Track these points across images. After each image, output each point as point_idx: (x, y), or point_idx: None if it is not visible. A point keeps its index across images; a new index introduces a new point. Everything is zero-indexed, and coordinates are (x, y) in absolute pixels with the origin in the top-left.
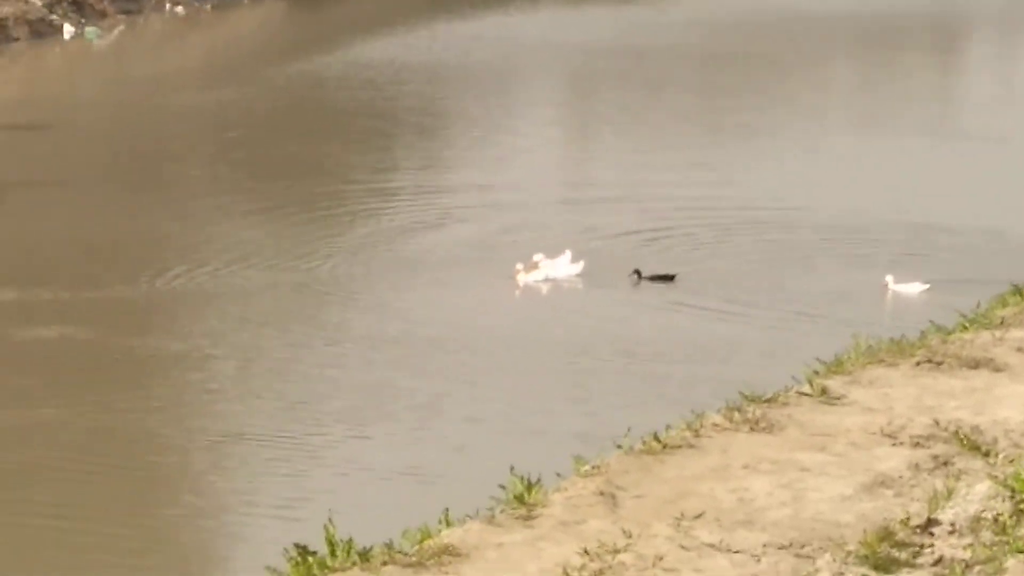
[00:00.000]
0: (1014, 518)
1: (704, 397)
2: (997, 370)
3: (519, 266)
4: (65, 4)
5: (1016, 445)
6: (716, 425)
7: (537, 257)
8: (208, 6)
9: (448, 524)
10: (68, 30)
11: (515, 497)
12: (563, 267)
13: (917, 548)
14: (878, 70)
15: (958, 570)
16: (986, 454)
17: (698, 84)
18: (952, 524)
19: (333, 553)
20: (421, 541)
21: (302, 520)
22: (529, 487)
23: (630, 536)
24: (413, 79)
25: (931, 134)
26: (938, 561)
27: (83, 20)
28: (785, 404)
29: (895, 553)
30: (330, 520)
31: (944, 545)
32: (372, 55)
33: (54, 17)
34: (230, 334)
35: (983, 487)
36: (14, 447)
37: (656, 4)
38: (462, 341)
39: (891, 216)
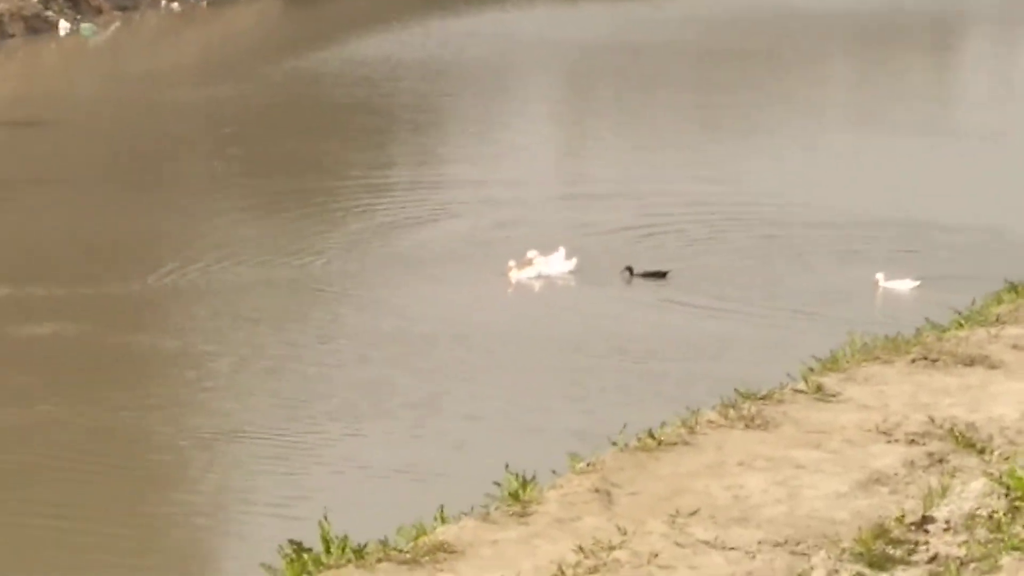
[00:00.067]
0: (1009, 515)
1: (699, 394)
2: (992, 367)
3: (511, 263)
4: (61, 0)
5: (1011, 442)
6: (711, 422)
7: (531, 254)
8: (203, 2)
9: (443, 521)
10: (64, 26)
11: (510, 494)
12: (556, 264)
13: (912, 545)
14: (875, 67)
15: (953, 567)
16: (981, 451)
17: (694, 81)
18: (947, 521)
19: (328, 550)
20: (416, 538)
21: (298, 518)
22: (524, 484)
23: (625, 533)
24: (408, 76)
25: (927, 132)
26: (933, 558)
27: (79, 16)
28: (780, 401)
29: (890, 550)
30: (325, 517)
31: (939, 542)
32: (367, 52)
33: (50, 13)
34: (225, 331)
35: (978, 484)
36: (10, 445)
37: (653, 0)
38: (457, 338)
39: (885, 213)
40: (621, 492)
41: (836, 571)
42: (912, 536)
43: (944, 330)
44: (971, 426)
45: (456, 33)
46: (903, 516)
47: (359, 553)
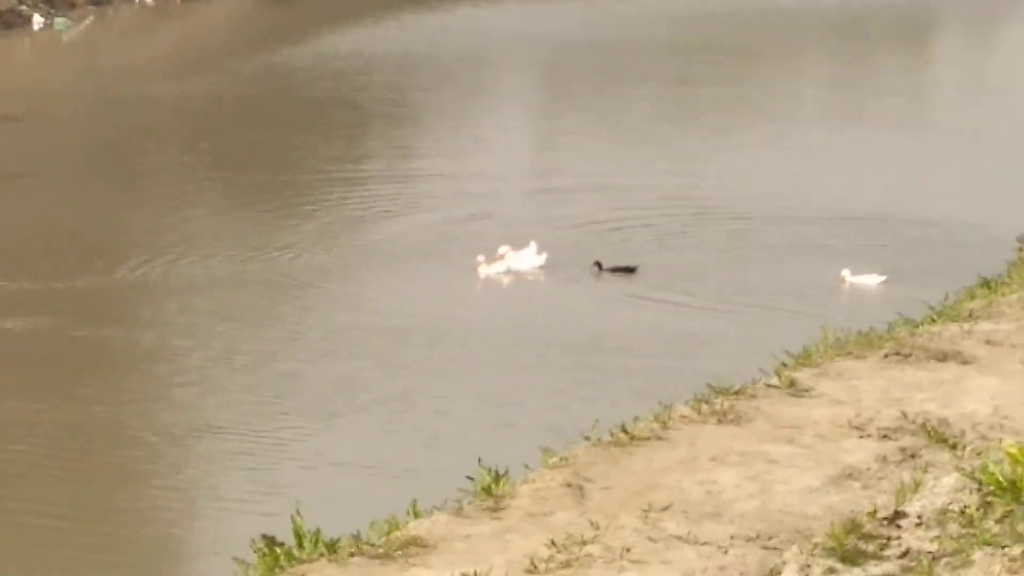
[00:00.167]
0: (981, 511)
1: (671, 389)
2: (965, 363)
3: (480, 258)
4: None
5: (983, 438)
6: (684, 417)
7: (503, 250)
8: None
9: (416, 515)
10: (37, 21)
11: (483, 489)
12: (526, 259)
13: (884, 540)
14: (849, 63)
15: (925, 563)
16: (953, 447)
17: (668, 76)
18: (919, 516)
19: (300, 544)
20: (388, 532)
21: (271, 513)
22: (497, 479)
23: (597, 528)
24: (382, 70)
25: (900, 127)
26: (905, 553)
27: (52, 11)
28: (753, 396)
29: (862, 545)
30: (297, 512)
31: (911, 537)
32: (341, 46)
33: (23, 8)
34: (197, 326)
35: (950, 480)
36: None
37: None
38: (428, 333)
39: (857, 208)
40: (593, 487)
41: (808, 566)
42: (884, 531)
43: (916, 325)
44: (943, 421)
45: (429, 28)
46: (875, 511)
47: (331, 547)
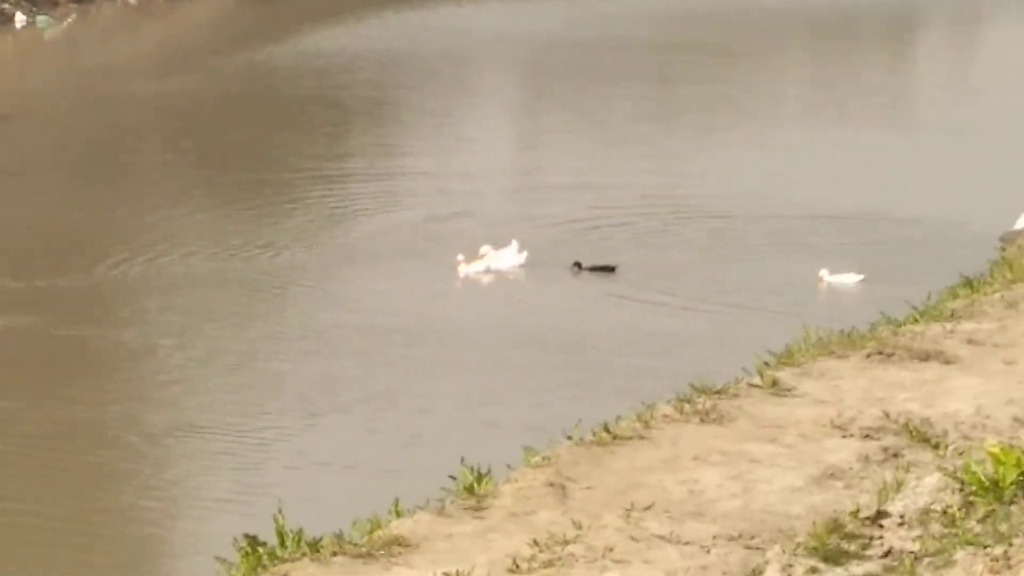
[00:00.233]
0: (963, 510)
1: (651, 388)
2: (947, 362)
3: (460, 257)
4: None
5: (966, 437)
6: (666, 416)
7: (484, 249)
8: None
9: (398, 515)
10: (20, 19)
11: (465, 488)
12: (507, 258)
13: (866, 540)
14: (831, 61)
15: (907, 562)
16: (936, 446)
17: (650, 75)
18: (901, 516)
19: (283, 544)
20: (371, 532)
21: (253, 513)
22: (479, 478)
23: (580, 527)
24: (364, 69)
25: (883, 125)
26: (887, 553)
27: (35, 9)
28: (735, 395)
29: (844, 545)
30: (280, 511)
31: (893, 537)
32: (323, 45)
33: (6, 6)
34: (178, 325)
35: (933, 479)
36: None
37: None
38: (411, 333)
39: (838, 207)
40: (576, 486)
41: (790, 565)
42: (866, 531)
43: (899, 325)
44: (926, 421)
45: (412, 27)
46: (857, 511)
47: (314, 547)
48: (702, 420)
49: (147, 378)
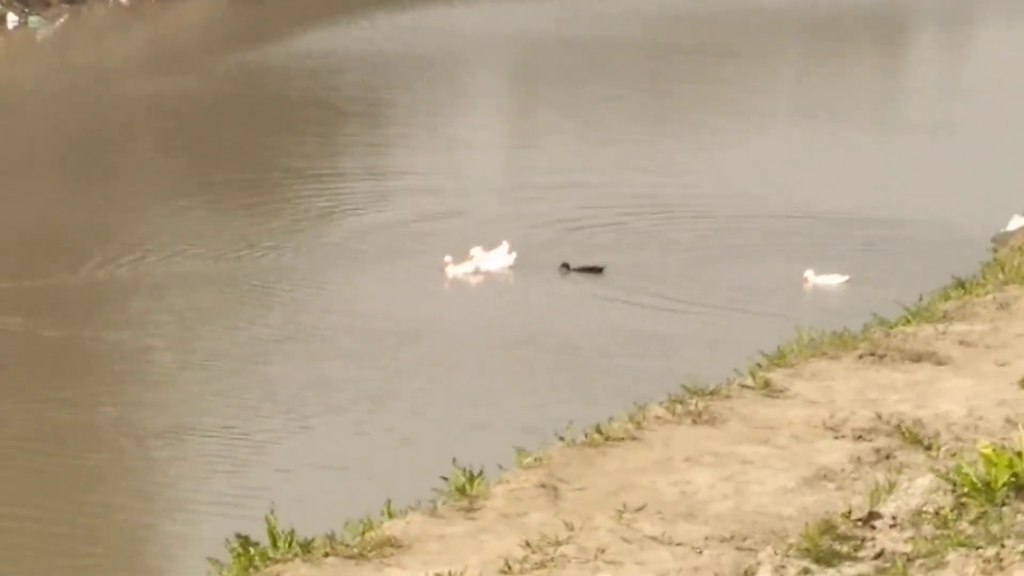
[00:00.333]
0: (955, 512)
1: (642, 389)
2: (939, 363)
3: (448, 258)
4: None
5: (958, 438)
6: (659, 418)
7: (474, 251)
8: None
9: (390, 516)
10: (12, 19)
11: (457, 489)
12: (495, 259)
13: (859, 541)
14: (823, 62)
15: (899, 564)
16: (928, 447)
17: (641, 75)
18: (894, 517)
19: (275, 544)
20: (363, 533)
21: (245, 515)
22: (471, 479)
23: (572, 528)
24: (355, 69)
25: (874, 126)
26: (879, 554)
27: (27, 9)
28: (728, 397)
29: (836, 546)
30: (272, 512)
31: (885, 538)
32: (314, 45)
33: None
34: (169, 325)
35: (925, 481)
36: None
37: None
38: (402, 334)
39: (828, 208)
40: (568, 487)
41: (783, 567)
42: (859, 532)
43: (891, 326)
44: (918, 422)
45: (403, 27)
46: (850, 512)
47: (306, 547)
48: (694, 421)
49: (138, 379)
